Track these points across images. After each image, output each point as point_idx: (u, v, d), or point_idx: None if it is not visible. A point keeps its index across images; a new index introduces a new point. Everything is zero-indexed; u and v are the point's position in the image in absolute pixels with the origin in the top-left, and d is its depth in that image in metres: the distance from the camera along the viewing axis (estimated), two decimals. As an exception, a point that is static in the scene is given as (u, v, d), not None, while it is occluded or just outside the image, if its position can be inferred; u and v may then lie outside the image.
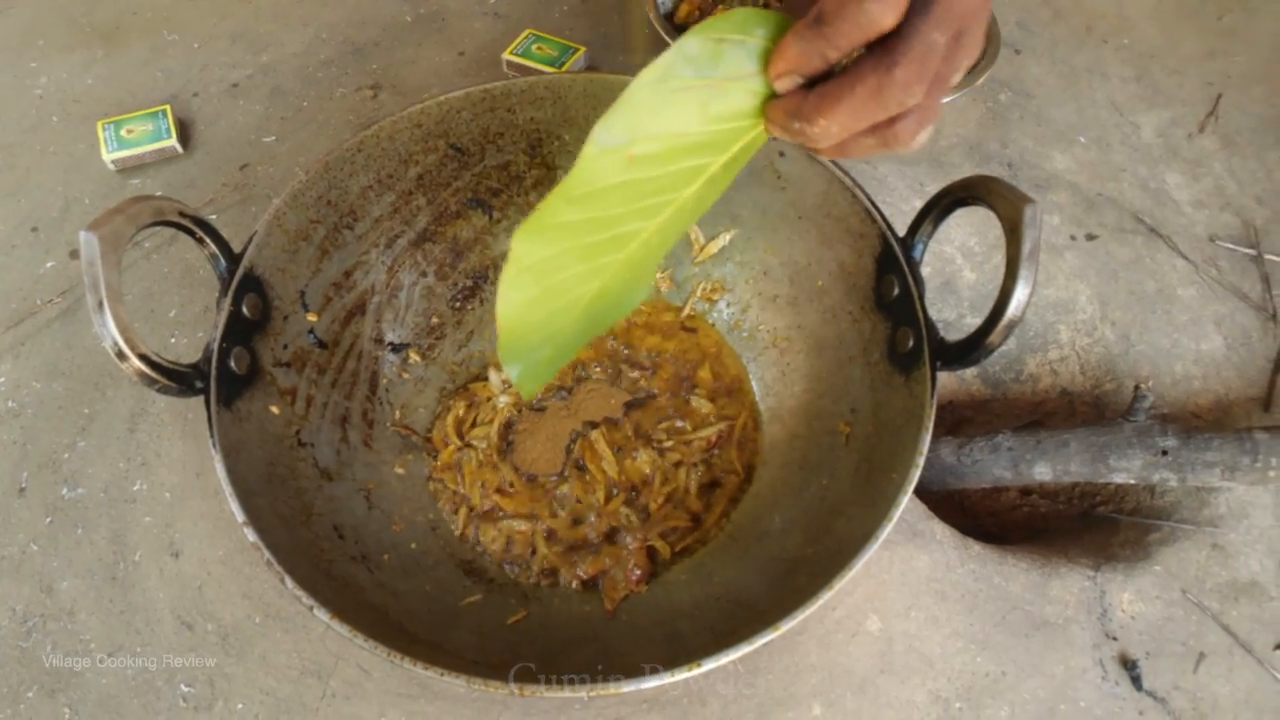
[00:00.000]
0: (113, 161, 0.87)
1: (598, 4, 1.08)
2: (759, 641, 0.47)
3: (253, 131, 0.93)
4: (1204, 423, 0.79)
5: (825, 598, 0.48)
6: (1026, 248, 0.51)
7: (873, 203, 0.63)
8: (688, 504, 0.67)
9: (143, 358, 0.50)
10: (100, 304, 0.48)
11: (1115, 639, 0.66)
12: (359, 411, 0.67)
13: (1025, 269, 0.51)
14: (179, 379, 0.52)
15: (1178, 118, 1.01)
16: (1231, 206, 0.93)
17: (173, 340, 0.75)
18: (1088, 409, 0.86)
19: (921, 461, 0.53)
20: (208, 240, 0.56)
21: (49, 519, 0.67)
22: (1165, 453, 0.71)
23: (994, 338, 0.53)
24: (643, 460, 0.68)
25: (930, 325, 0.58)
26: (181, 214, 0.54)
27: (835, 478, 0.62)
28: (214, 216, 0.84)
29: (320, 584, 0.51)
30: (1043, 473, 0.74)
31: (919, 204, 0.86)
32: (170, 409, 0.71)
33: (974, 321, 0.87)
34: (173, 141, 0.88)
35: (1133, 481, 0.73)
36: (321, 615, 0.47)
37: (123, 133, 0.88)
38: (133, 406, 0.72)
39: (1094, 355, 0.86)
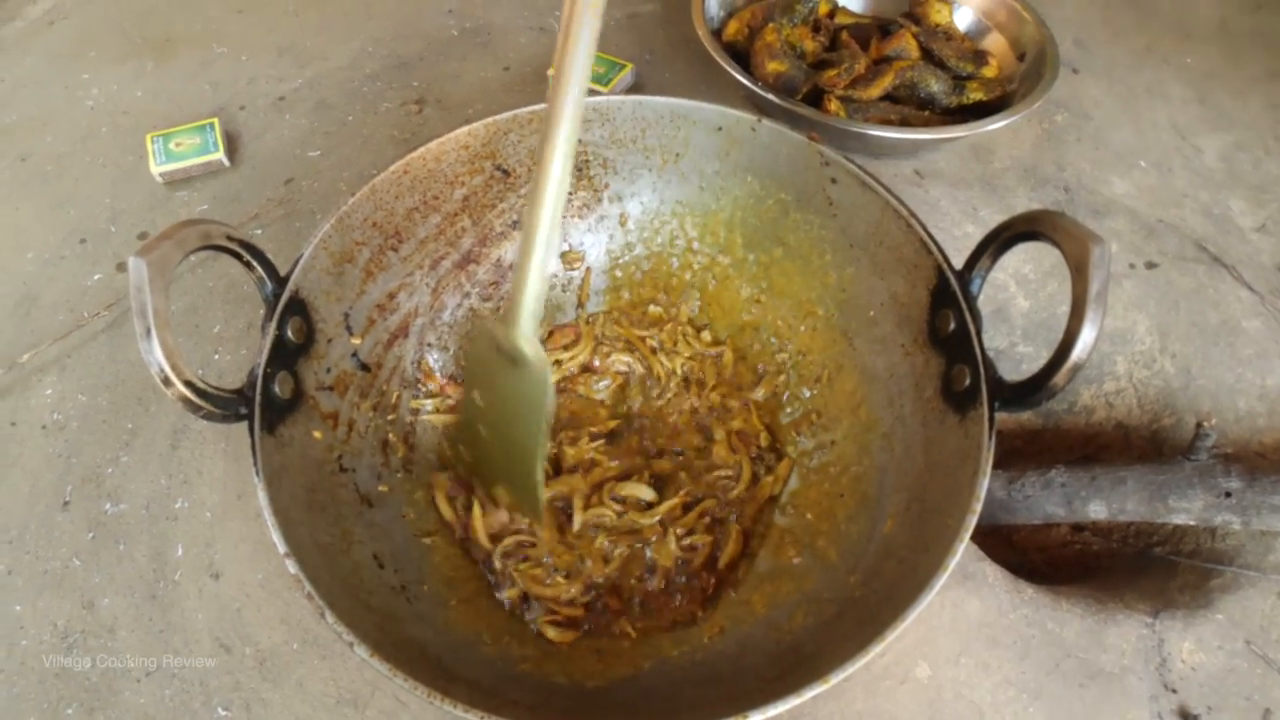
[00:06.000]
0: (161, 174, 0.88)
1: (644, 20, 1.07)
2: (808, 694, 0.45)
3: (298, 145, 0.93)
4: (1269, 463, 0.76)
5: (877, 649, 0.47)
6: (1094, 289, 0.49)
7: (929, 233, 0.61)
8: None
9: (188, 384, 0.50)
10: (148, 331, 0.48)
11: (1175, 691, 0.63)
12: (400, 435, 0.67)
13: (1092, 311, 0.49)
14: (223, 405, 0.52)
15: (1241, 141, 0.98)
16: (1299, 235, 0.90)
17: (216, 356, 0.76)
18: (1144, 444, 0.83)
19: (978, 507, 0.51)
20: (255, 264, 0.56)
21: (91, 534, 0.67)
22: (1229, 494, 0.69)
23: (1058, 380, 0.51)
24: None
25: (989, 364, 0.56)
26: (229, 238, 0.54)
27: (884, 517, 0.60)
28: (259, 231, 0.84)
29: (360, 617, 0.50)
30: (1098, 511, 0.72)
31: (971, 229, 0.85)
32: (212, 427, 0.71)
33: (1026, 350, 0.85)
34: (220, 155, 0.89)
35: (1193, 523, 0.70)
36: (362, 653, 0.46)
37: (171, 145, 0.89)
38: (175, 423, 0.72)
39: (1152, 388, 0.83)
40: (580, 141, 0.71)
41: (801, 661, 0.51)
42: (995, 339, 0.86)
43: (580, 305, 0.77)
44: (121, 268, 0.83)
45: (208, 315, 0.78)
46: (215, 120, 0.91)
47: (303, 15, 1.09)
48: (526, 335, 0.56)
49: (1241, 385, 0.79)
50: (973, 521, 0.51)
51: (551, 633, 0.61)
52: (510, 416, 0.60)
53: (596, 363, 0.74)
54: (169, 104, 0.98)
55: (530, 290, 0.54)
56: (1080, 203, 0.90)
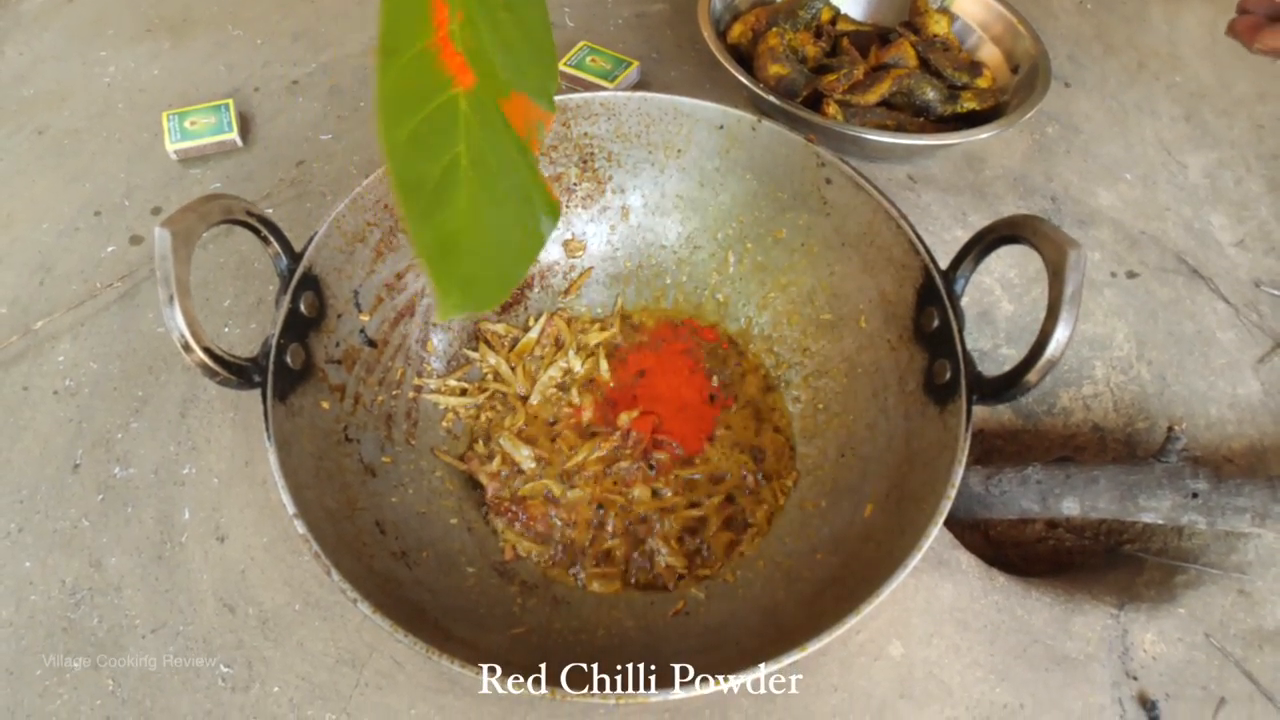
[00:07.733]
0: (175, 151, 0.90)
1: (652, 19, 1.10)
2: (785, 660, 0.48)
3: (310, 129, 0.95)
4: (1236, 468, 0.79)
5: (852, 622, 0.49)
6: (1069, 291, 0.52)
7: (917, 234, 0.64)
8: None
9: (207, 351, 0.52)
10: (170, 298, 0.50)
11: (1135, 678, 0.66)
12: (403, 411, 0.69)
13: (1066, 311, 0.52)
14: (239, 372, 0.54)
15: (1225, 159, 1.01)
16: (1276, 251, 0.93)
17: (226, 330, 0.78)
18: (1119, 446, 0.86)
19: (953, 494, 0.54)
20: (272, 240, 0.58)
21: (100, 496, 0.69)
22: (1195, 495, 0.72)
23: (1032, 376, 0.54)
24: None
25: (969, 360, 0.59)
26: (249, 213, 0.56)
27: (865, 503, 0.63)
28: (270, 211, 0.86)
29: (362, 578, 0.53)
30: (1070, 508, 0.75)
31: (960, 233, 0.87)
32: (220, 397, 0.74)
33: (1009, 352, 0.88)
34: (234, 135, 0.91)
35: (1161, 522, 0.73)
36: (364, 609, 0.49)
37: (186, 124, 0.91)
38: (184, 391, 0.74)
39: (1128, 393, 0.86)
40: (586, 135, 0.74)
41: (782, 635, 0.54)
42: (980, 340, 0.89)
43: (566, 294, 0.80)
44: (135, 241, 0.85)
45: (218, 290, 0.81)
46: (230, 101, 0.94)
47: (318, 1, 1.11)
48: None
49: (1214, 393, 0.82)
50: (947, 507, 0.53)
51: (598, 585, 0.65)
52: None
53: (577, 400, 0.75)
54: (185, 83, 1.00)
55: None
56: (1066, 212, 0.93)
